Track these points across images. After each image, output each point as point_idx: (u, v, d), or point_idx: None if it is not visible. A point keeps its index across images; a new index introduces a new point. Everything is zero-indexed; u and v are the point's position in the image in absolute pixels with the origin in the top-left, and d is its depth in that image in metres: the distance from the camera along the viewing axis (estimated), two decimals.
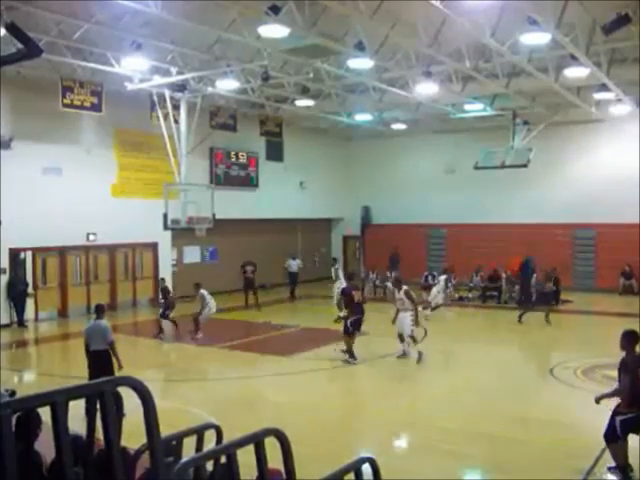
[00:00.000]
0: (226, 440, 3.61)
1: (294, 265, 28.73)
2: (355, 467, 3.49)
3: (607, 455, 8.91)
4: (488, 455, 9.66)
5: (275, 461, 3.23)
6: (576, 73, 18.85)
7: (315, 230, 34.79)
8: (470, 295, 27.46)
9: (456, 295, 27.10)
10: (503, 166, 26.88)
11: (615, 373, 13.88)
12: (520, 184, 29.47)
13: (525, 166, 26.61)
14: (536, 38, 14.98)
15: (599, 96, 22.80)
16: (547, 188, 29.71)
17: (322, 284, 30.16)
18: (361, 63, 18.27)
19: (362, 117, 27.69)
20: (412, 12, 15.09)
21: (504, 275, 26.99)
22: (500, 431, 10.58)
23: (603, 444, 8.48)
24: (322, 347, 17.44)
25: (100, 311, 11.66)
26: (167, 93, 21.33)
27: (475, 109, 25.88)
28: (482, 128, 29.02)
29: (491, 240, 29.74)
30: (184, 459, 2.92)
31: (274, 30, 14.87)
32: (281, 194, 30.65)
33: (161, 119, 21.94)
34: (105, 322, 11.50)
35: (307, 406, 12.26)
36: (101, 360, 10.98)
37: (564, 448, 9.71)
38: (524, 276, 25.83)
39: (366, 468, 3.50)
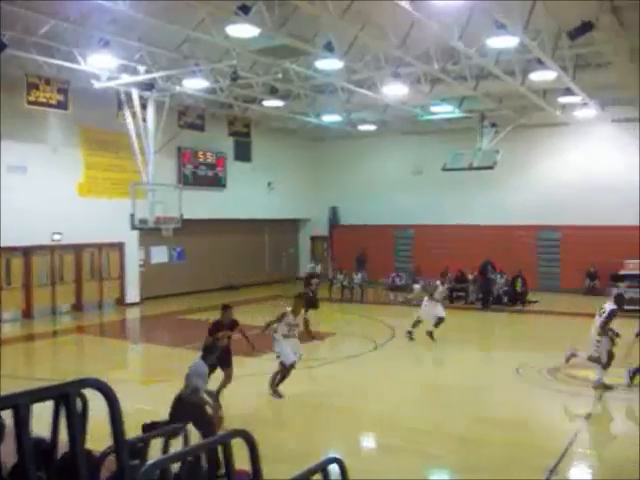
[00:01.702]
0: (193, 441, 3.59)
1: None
2: (322, 467, 3.48)
3: (571, 452, 9.04)
4: (454, 455, 9.71)
5: (242, 462, 3.21)
6: (542, 77, 19.04)
7: (283, 231, 34.77)
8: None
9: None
10: (471, 168, 27.09)
11: (579, 372, 14.19)
12: (487, 186, 29.74)
13: (492, 168, 26.86)
14: (504, 42, 15.10)
15: (565, 100, 23.06)
16: (513, 190, 30.02)
17: (292, 285, 30.21)
18: (330, 64, 18.28)
19: (331, 118, 27.72)
20: (381, 14, 15.13)
21: (470, 276, 27.21)
22: (466, 431, 10.64)
23: (567, 442, 8.57)
24: None
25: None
26: (135, 92, 21.09)
27: (443, 111, 26.05)
28: (450, 130, 29.22)
29: (458, 241, 30.01)
30: (150, 461, 2.89)
31: (243, 30, 14.80)
32: (249, 194, 30.56)
33: (128, 118, 21.69)
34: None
35: (274, 407, 12.25)
36: None
37: (530, 447, 9.80)
38: (483, 278, 26.19)
39: (334, 468, 3.50)
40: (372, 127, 30.05)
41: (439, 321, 18.11)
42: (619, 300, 13.80)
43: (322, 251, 35.33)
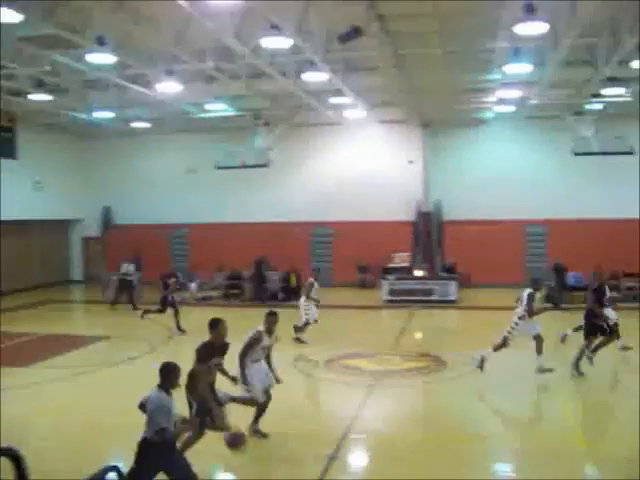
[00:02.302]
0: None
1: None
2: (101, 476, 3.39)
3: (349, 441, 9.43)
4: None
5: None
6: (314, 78, 19.62)
7: (52, 232, 33.10)
8: (214, 294, 27.63)
9: (199, 295, 27.12)
10: (244, 166, 27.53)
11: (354, 362, 14.88)
12: (261, 184, 30.29)
13: (266, 166, 27.45)
14: (277, 42, 15.37)
15: (336, 100, 23.99)
16: (288, 188, 30.79)
17: (63, 288, 28.95)
18: (102, 58, 17.59)
19: (103, 114, 26.68)
20: (156, 9, 14.86)
21: (246, 273, 27.50)
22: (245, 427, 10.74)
23: (345, 429, 8.93)
24: (65, 354, 16.71)
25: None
26: None
27: (217, 109, 26.05)
28: (224, 128, 29.38)
29: (234, 239, 30.17)
30: None
31: (6, 15, 13.77)
32: (13, 194, 28.58)
33: None
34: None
35: (49, 419, 11.62)
36: None
37: (310, 436, 10.10)
38: (258, 274, 26.66)
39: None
40: (147, 125, 29.41)
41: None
42: (535, 284, 14.43)
43: (96, 252, 33.98)
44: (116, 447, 10.13)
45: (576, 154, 26.39)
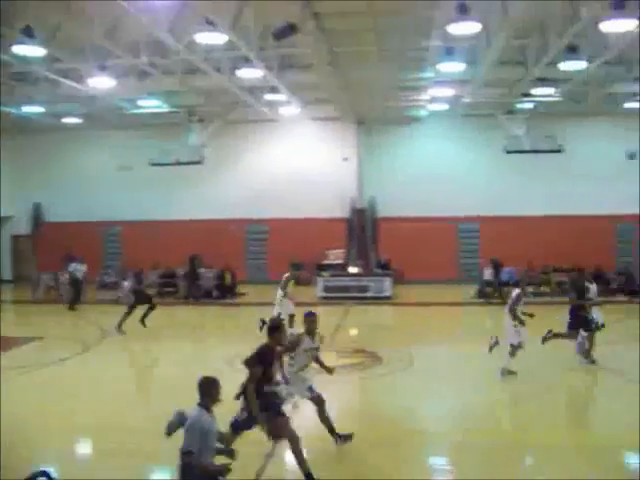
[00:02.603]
0: None
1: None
2: None
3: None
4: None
5: None
6: (249, 74, 19.52)
7: None
8: (148, 292, 27.19)
9: None
10: (178, 163, 27.29)
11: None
12: (196, 181, 30.05)
13: (200, 163, 27.23)
14: (212, 38, 15.21)
15: (270, 97, 23.92)
16: (223, 185, 30.60)
17: None
18: (30, 50, 17.08)
19: (33, 109, 25.98)
20: (88, 2, 14.55)
21: (180, 271, 27.25)
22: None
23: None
24: None
25: None
26: None
27: (151, 105, 25.67)
28: (159, 124, 28.96)
29: (169, 236, 29.74)
30: None
31: None
32: None
33: None
34: None
35: None
36: None
37: (247, 435, 10.00)
38: (192, 272, 26.47)
39: None
40: (79, 120, 28.80)
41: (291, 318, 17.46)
42: (522, 285, 14.41)
43: (26, 251, 33.10)
44: (42, 450, 9.90)
45: (508, 152, 26.94)
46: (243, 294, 26.89)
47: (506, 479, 8.44)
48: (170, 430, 6.66)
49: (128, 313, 18.73)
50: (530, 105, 25.78)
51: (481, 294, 25.40)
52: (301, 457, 8.24)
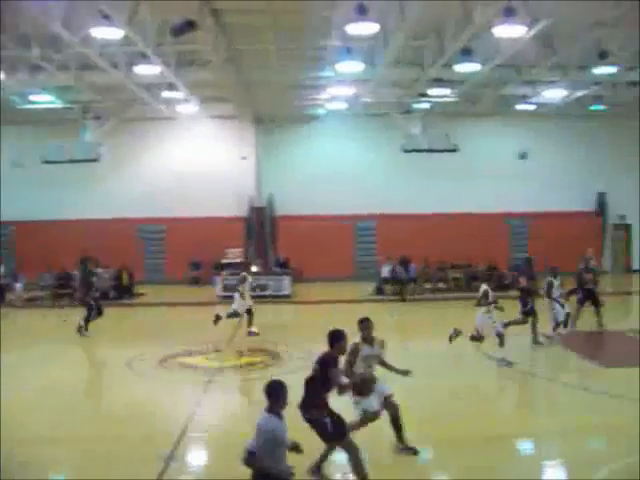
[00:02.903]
0: None
1: None
2: None
3: (186, 438, 9.26)
4: (81, 459, 9.36)
5: None
6: (146, 71, 19.19)
7: None
8: (42, 294, 26.33)
9: (25, 296, 25.76)
10: (72, 161, 26.48)
11: (189, 360, 14.76)
12: (92, 179, 29.27)
13: (96, 160, 26.51)
14: (108, 33, 14.83)
15: (168, 95, 23.56)
16: (119, 183, 29.92)
17: None
18: None
19: None
20: None
21: (76, 272, 26.42)
22: (90, 430, 10.39)
23: (181, 429, 8.74)
24: None
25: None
26: None
27: (43, 100, 24.77)
28: (52, 121, 27.94)
29: (65, 236, 28.71)
30: None
31: None
32: None
33: None
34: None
35: None
36: None
37: (146, 438, 9.85)
38: (82, 273, 25.69)
39: None
40: None
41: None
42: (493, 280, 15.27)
43: None
44: None
45: (405, 151, 27.39)
46: (142, 294, 26.42)
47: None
48: None
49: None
50: (427, 105, 26.36)
51: (379, 291, 25.81)
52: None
